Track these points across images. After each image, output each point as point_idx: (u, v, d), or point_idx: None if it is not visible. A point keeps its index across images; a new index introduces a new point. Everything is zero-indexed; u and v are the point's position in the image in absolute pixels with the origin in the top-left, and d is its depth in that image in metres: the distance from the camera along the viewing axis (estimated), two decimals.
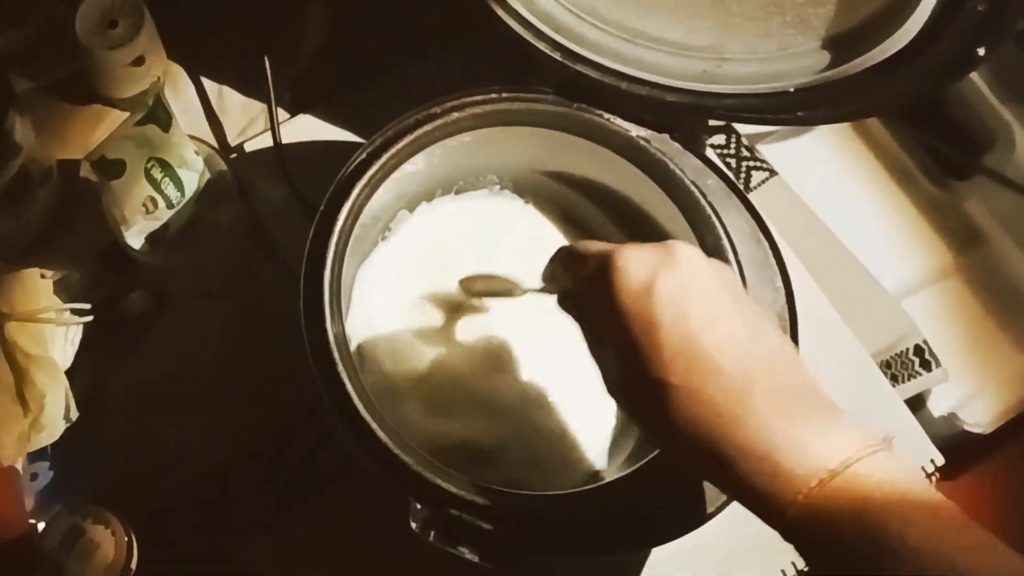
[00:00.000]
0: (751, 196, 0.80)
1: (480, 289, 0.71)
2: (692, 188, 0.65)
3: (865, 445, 0.45)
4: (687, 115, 0.65)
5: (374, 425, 0.60)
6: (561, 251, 0.58)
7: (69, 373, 0.71)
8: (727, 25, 0.60)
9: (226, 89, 0.87)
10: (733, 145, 0.81)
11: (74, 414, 0.70)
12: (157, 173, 0.72)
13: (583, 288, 0.55)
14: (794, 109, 0.60)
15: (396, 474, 0.59)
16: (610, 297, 0.51)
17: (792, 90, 0.60)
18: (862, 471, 0.45)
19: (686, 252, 0.51)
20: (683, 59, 0.63)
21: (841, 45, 0.58)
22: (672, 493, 0.60)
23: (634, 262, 0.51)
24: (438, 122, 0.67)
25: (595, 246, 0.54)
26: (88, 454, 0.73)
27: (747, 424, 0.47)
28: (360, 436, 0.60)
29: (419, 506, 0.58)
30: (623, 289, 0.50)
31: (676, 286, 0.50)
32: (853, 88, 0.58)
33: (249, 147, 0.84)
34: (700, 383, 0.48)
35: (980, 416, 0.80)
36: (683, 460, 0.52)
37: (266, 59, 0.83)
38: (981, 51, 0.50)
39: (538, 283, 0.63)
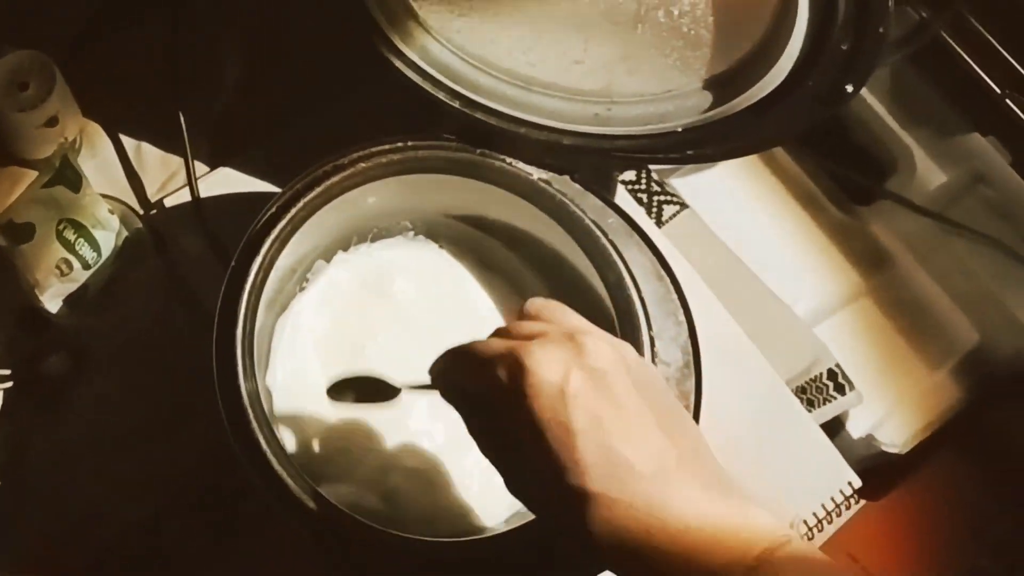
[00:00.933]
0: (663, 230, 0.82)
1: (353, 398, 0.67)
2: (592, 227, 0.66)
3: (770, 541, 0.46)
4: (584, 157, 0.66)
5: (287, 479, 0.60)
6: (455, 352, 0.55)
7: None
8: (614, 70, 0.62)
9: (144, 145, 0.88)
10: (644, 181, 0.83)
11: None
12: (70, 234, 0.73)
13: (492, 392, 0.51)
14: (683, 148, 0.62)
15: (313, 525, 0.59)
16: (523, 402, 0.49)
17: (680, 130, 0.62)
18: (775, 564, 0.45)
19: (593, 344, 0.51)
20: (576, 103, 0.65)
21: (721, 85, 0.60)
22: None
23: (544, 364, 0.49)
24: (346, 172, 0.68)
25: (496, 346, 0.52)
26: (13, 517, 0.73)
27: (667, 530, 0.47)
28: (274, 487, 0.60)
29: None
30: (537, 395, 0.49)
31: (588, 388, 0.49)
32: (736, 126, 0.60)
33: (169, 202, 0.84)
34: (619, 490, 0.47)
35: (896, 436, 0.81)
36: (607, 562, 0.51)
37: (181, 114, 0.83)
38: (849, 87, 0.52)
39: (423, 371, 0.58)
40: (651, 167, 0.83)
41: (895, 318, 0.85)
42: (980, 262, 0.85)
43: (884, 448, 0.81)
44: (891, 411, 0.82)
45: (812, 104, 0.55)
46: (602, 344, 0.51)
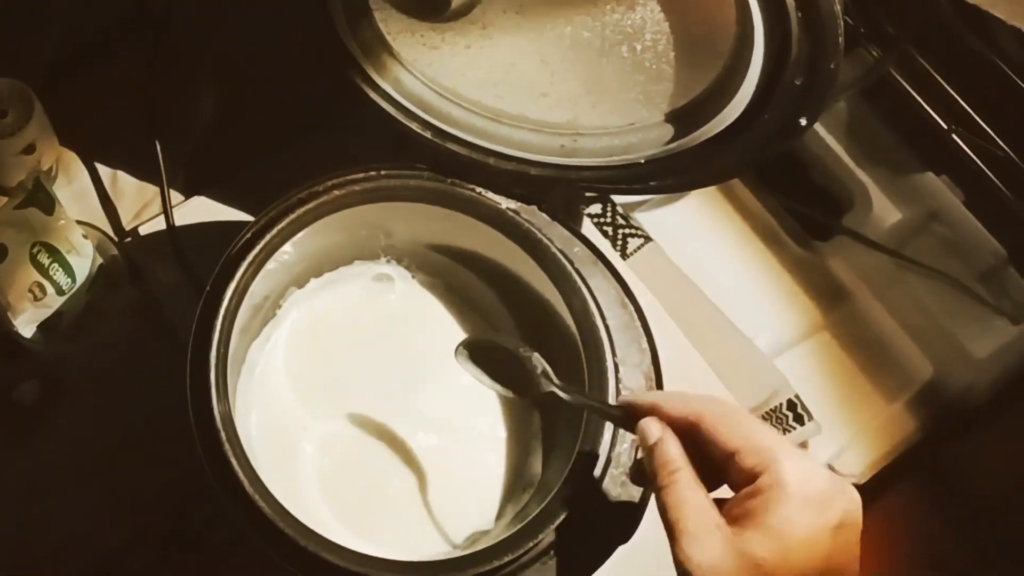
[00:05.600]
0: (628, 262, 0.84)
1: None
2: (559, 256, 0.68)
3: None
4: (551, 187, 0.68)
5: (260, 502, 0.60)
6: (708, 409, 0.53)
7: None
8: (579, 103, 0.65)
9: (120, 173, 0.89)
10: (609, 214, 0.85)
11: None
12: (44, 258, 0.73)
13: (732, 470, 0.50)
14: (646, 179, 0.64)
15: (285, 550, 0.60)
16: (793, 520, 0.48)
17: (643, 161, 0.64)
18: None
19: (857, 499, 0.51)
20: (543, 135, 0.67)
21: (681, 119, 0.62)
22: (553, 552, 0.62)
23: (809, 483, 0.49)
24: (320, 200, 0.69)
25: (761, 431, 0.51)
26: None
27: None
28: (247, 512, 0.61)
29: None
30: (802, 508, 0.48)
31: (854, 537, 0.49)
32: (696, 158, 0.62)
33: (144, 230, 0.85)
34: None
35: (854, 466, 0.83)
36: None
37: (157, 143, 0.84)
38: (803, 121, 0.55)
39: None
40: (616, 200, 0.85)
41: (853, 351, 0.87)
42: (934, 298, 0.88)
43: (843, 478, 0.82)
44: (849, 442, 0.84)
45: (768, 137, 0.57)
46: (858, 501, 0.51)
